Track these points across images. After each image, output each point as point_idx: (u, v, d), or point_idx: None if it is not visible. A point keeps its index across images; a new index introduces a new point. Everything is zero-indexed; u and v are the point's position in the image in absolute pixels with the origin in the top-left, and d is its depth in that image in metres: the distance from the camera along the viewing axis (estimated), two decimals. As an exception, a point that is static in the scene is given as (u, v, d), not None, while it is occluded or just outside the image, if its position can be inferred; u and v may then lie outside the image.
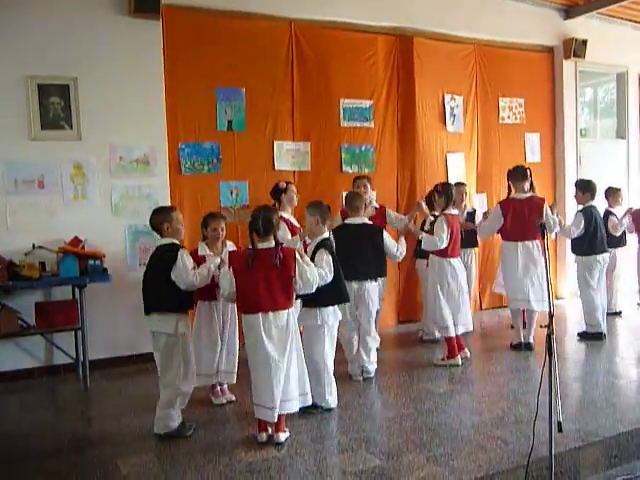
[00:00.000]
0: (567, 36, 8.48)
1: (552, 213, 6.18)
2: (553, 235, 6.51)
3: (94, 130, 5.79)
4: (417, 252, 6.45)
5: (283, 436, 4.07)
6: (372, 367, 5.40)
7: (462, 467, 3.65)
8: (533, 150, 8.54)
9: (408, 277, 7.42)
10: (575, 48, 8.39)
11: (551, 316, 3.27)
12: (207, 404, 4.77)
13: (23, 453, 4.09)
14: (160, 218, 4.28)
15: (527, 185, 6.12)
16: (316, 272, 4.17)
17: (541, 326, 6.30)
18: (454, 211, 5.84)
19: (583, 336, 6.50)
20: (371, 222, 5.45)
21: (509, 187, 6.25)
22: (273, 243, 4.03)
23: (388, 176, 7.34)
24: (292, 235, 5.46)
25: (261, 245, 4.03)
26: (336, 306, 4.62)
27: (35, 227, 5.57)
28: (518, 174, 6.15)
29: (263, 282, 3.97)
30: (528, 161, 8.37)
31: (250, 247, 4.04)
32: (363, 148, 7.23)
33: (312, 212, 4.62)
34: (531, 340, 6.17)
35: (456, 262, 5.82)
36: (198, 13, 6.27)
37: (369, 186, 6.19)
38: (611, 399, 4.77)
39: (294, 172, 6.83)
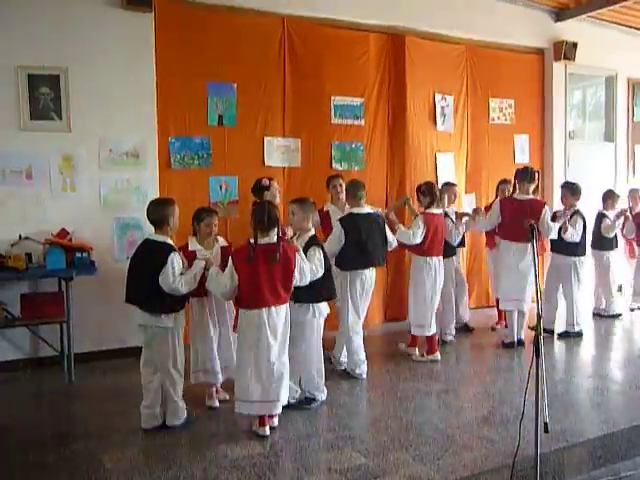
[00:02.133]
0: (557, 38, 8.53)
1: (555, 220, 6.27)
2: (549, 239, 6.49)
3: (84, 122, 5.74)
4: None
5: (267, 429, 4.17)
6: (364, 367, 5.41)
7: (448, 466, 3.67)
8: (522, 151, 8.58)
9: (395, 275, 7.43)
10: (565, 51, 8.44)
11: (539, 317, 3.28)
12: (192, 400, 4.74)
13: (6, 445, 4.06)
14: (165, 211, 4.18)
15: (532, 187, 6.17)
16: (308, 268, 4.28)
17: (530, 327, 6.46)
18: (437, 210, 5.89)
19: (563, 336, 6.61)
20: (372, 210, 5.53)
21: (514, 186, 6.32)
22: (275, 238, 4.05)
23: (378, 174, 7.35)
24: None
25: (262, 240, 4.04)
26: (325, 302, 4.70)
27: (22, 218, 5.52)
28: (526, 175, 6.18)
29: (266, 276, 4.00)
30: (517, 162, 8.42)
31: (252, 242, 4.04)
32: (353, 145, 7.22)
33: (299, 209, 4.61)
34: (522, 337, 6.26)
35: (435, 261, 5.86)
36: (191, 6, 6.22)
37: (344, 186, 6.08)
38: (596, 400, 4.82)
39: (284, 168, 6.81)
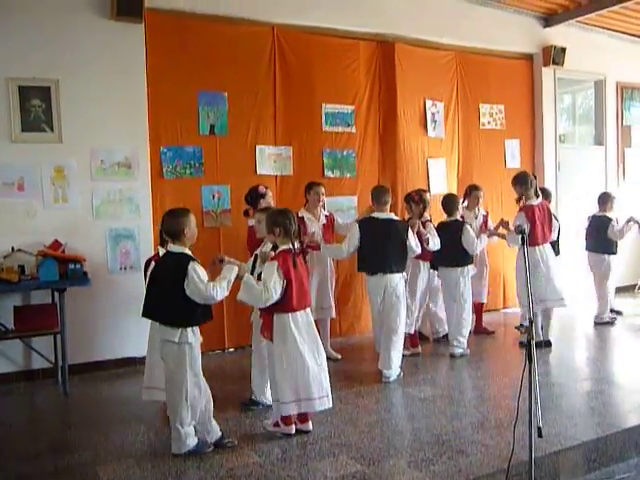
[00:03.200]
0: (546, 44, 8.59)
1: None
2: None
3: (75, 133, 5.74)
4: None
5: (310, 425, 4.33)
6: (388, 372, 5.43)
7: (443, 472, 3.68)
8: (513, 156, 8.63)
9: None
10: (554, 56, 8.50)
11: (531, 322, 3.30)
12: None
13: (1, 458, 4.04)
14: (182, 222, 3.98)
15: (533, 191, 6.32)
16: None
17: (519, 330, 6.50)
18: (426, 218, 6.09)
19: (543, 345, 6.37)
20: (397, 217, 5.68)
21: (521, 194, 6.36)
22: (297, 243, 4.24)
23: (370, 181, 7.36)
24: None
25: (286, 246, 4.22)
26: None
27: (14, 230, 5.52)
28: (526, 181, 6.32)
29: (305, 280, 4.28)
30: (508, 166, 8.48)
31: (292, 247, 4.19)
32: (345, 153, 7.25)
33: (273, 221, 4.33)
34: (549, 337, 6.38)
35: (422, 266, 6.14)
36: (181, 17, 6.24)
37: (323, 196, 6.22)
38: (589, 404, 4.84)
39: (276, 176, 6.83)
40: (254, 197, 5.70)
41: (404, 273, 5.57)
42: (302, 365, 4.14)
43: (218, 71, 6.45)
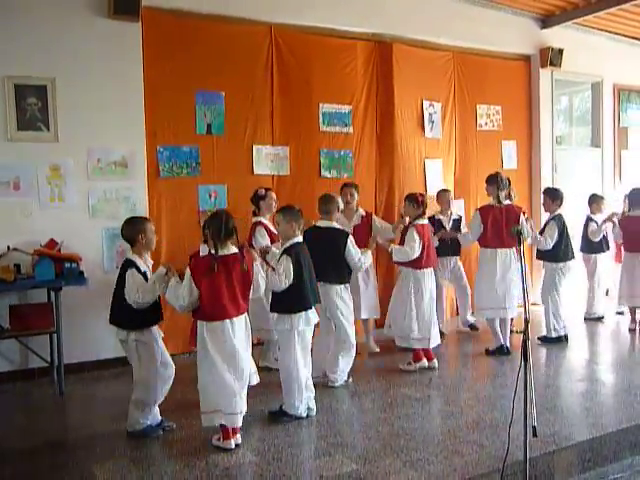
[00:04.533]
0: (544, 45, 8.61)
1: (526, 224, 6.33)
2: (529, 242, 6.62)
3: (72, 132, 5.73)
4: None
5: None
6: (333, 376, 5.28)
7: (438, 471, 3.68)
8: (510, 157, 8.64)
9: (385, 283, 7.43)
10: (551, 57, 8.52)
11: (527, 322, 3.30)
12: (183, 408, 4.73)
13: (-4, 458, 4.05)
14: (135, 228, 4.28)
15: (504, 193, 6.24)
16: (262, 279, 4.23)
17: (517, 332, 6.50)
18: (424, 221, 5.81)
19: (544, 340, 6.59)
20: (340, 227, 5.42)
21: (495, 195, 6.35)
22: (235, 248, 4.05)
23: (367, 181, 7.37)
24: (271, 241, 5.47)
25: (221, 251, 4.02)
26: (309, 312, 4.54)
27: (10, 229, 5.50)
28: (497, 182, 6.26)
29: (226, 288, 3.98)
30: (505, 168, 8.47)
31: (212, 252, 4.01)
32: (342, 153, 7.25)
33: (282, 218, 4.60)
34: (507, 344, 6.26)
35: (428, 272, 5.80)
36: (178, 16, 6.24)
37: (355, 195, 6.26)
38: (585, 404, 4.85)
39: (273, 176, 6.83)
40: (255, 199, 5.77)
41: (347, 285, 5.32)
42: (216, 376, 4.00)
43: (215, 70, 6.45)
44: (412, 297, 5.72)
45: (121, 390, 4.96)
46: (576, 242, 7.71)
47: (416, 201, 5.80)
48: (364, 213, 6.36)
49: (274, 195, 5.89)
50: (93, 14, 5.80)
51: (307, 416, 4.53)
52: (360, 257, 5.27)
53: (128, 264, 4.22)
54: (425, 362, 5.75)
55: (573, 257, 6.71)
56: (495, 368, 5.88)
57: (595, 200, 7.80)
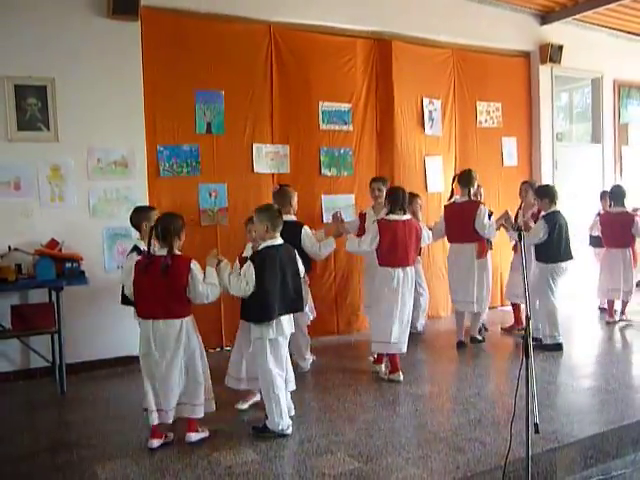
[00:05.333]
0: (543, 41, 8.60)
1: (497, 222, 6.28)
2: (491, 239, 6.50)
3: (72, 132, 5.73)
4: None
5: (195, 436, 4.14)
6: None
7: (440, 469, 3.69)
8: (510, 154, 8.63)
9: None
10: (551, 53, 8.51)
11: (528, 318, 3.30)
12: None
13: (-1, 458, 4.05)
14: (140, 216, 4.60)
15: (470, 190, 6.31)
16: (209, 286, 4.08)
17: (517, 330, 6.52)
18: (401, 217, 5.40)
19: (540, 347, 6.08)
20: (296, 219, 5.44)
21: (452, 191, 6.56)
22: (165, 251, 4.04)
23: (367, 179, 7.30)
24: None
25: (159, 252, 4.07)
26: (282, 320, 4.23)
27: (11, 229, 5.51)
28: (463, 178, 6.38)
29: (153, 288, 4.00)
30: (505, 165, 8.50)
31: (147, 252, 4.09)
32: (342, 151, 7.25)
33: (259, 217, 4.31)
34: (476, 335, 6.49)
35: (398, 272, 5.37)
36: (177, 15, 6.24)
37: (384, 189, 6.17)
38: (586, 400, 4.85)
39: (273, 174, 6.82)
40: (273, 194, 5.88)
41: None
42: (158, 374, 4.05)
43: (215, 69, 6.44)
44: (383, 297, 5.42)
45: (123, 390, 4.98)
46: (582, 238, 7.76)
47: (389, 195, 5.59)
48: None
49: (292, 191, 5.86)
50: (92, 14, 5.80)
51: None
52: (319, 246, 5.29)
53: (132, 249, 4.51)
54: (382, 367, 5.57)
55: (569, 258, 6.27)
56: (497, 365, 5.88)
57: (603, 197, 7.78)
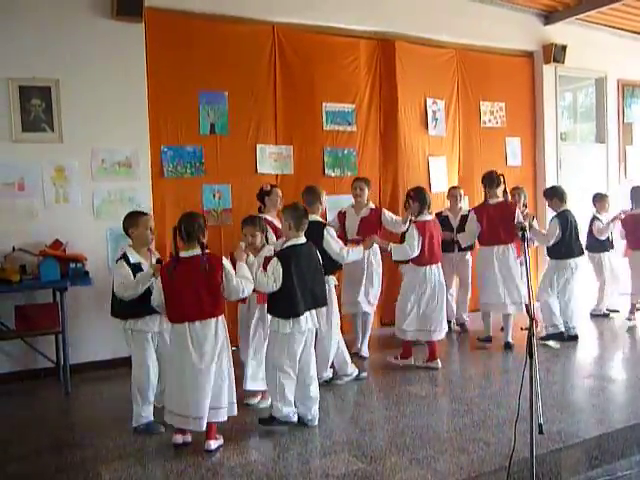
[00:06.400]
0: (547, 41, 8.59)
1: (524, 221, 6.25)
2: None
3: (76, 133, 5.75)
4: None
5: (214, 444, 4.04)
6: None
7: (444, 469, 3.68)
8: (514, 154, 8.63)
9: (390, 280, 7.42)
10: (555, 53, 8.51)
11: (532, 318, 3.30)
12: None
13: (3, 457, 4.04)
14: (127, 221, 4.40)
15: (500, 191, 6.27)
16: (242, 280, 4.04)
17: (522, 328, 6.47)
18: (428, 217, 5.75)
19: (545, 339, 6.42)
20: (321, 220, 5.38)
21: (485, 193, 6.43)
22: (199, 250, 4.00)
23: (370, 179, 7.26)
24: (276, 238, 5.45)
25: (185, 253, 4.00)
26: (302, 317, 4.26)
27: (15, 230, 5.51)
28: (491, 180, 6.31)
29: (189, 290, 3.94)
30: (509, 165, 8.48)
31: (174, 255, 4.00)
32: (346, 151, 7.25)
33: (285, 217, 4.42)
34: (509, 339, 6.32)
35: (434, 269, 5.75)
36: (181, 16, 6.25)
37: (365, 189, 6.22)
38: (591, 401, 4.83)
39: (277, 175, 6.83)
40: (260, 195, 5.74)
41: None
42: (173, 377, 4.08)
43: (218, 70, 6.45)
44: (414, 294, 5.72)
45: (127, 390, 4.95)
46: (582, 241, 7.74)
47: (409, 196, 5.79)
48: (373, 206, 6.36)
49: (279, 191, 5.83)
50: (96, 15, 5.82)
51: (305, 424, 4.35)
52: (343, 248, 5.19)
53: (120, 256, 4.36)
54: (412, 360, 5.78)
55: (579, 254, 6.59)
56: (501, 365, 5.87)
57: (598, 199, 7.76)
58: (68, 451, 4.11)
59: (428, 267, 5.71)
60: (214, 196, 6.49)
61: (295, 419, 4.33)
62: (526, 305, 6.62)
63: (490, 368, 5.85)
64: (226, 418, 4.10)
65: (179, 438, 4.07)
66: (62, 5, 5.70)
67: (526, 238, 3.62)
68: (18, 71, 5.55)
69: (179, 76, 6.25)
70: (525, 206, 7.17)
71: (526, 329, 3.30)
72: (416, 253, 5.59)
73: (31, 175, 5.62)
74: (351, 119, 7.27)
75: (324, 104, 7.09)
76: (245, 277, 4.09)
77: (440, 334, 5.79)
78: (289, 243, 4.36)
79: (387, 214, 6.33)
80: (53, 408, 5.11)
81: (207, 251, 4.03)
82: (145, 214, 4.53)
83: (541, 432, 3.04)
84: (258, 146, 6.71)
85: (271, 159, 6.79)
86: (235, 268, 4.11)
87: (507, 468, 3.50)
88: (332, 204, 6.84)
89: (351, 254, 5.26)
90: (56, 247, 5.54)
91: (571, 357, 6.13)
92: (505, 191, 6.36)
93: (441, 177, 7.86)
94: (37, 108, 5.64)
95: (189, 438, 4.10)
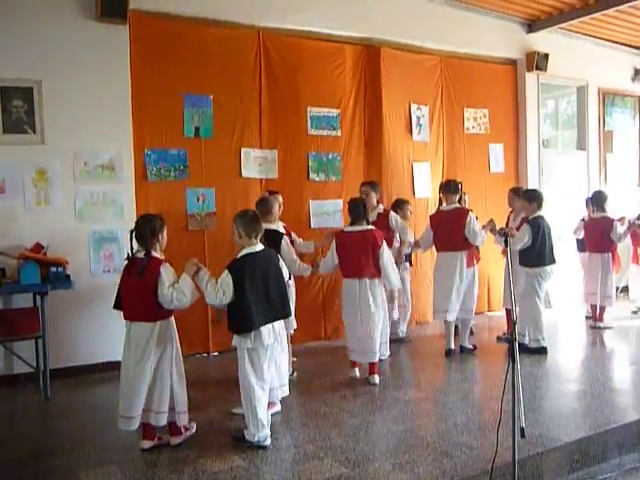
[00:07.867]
0: (530, 49, 8.68)
1: (484, 228, 6.18)
2: (480, 246, 6.49)
3: (58, 135, 5.70)
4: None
5: (147, 444, 4.08)
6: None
7: (427, 474, 3.67)
8: (497, 160, 8.70)
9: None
10: (537, 61, 8.61)
11: (514, 324, 3.32)
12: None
13: (-19, 464, 3.99)
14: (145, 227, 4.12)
15: (456, 197, 6.25)
16: (175, 291, 3.94)
17: (498, 337, 6.55)
18: (356, 227, 5.46)
19: (525, 351, 6.07)
20: (278, 229, 5.37)
21: (440, 199, 6.43)
22: (142, 253, 4.03)
23: (355, 184, 7.31)
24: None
25: (138, 254, 4.05)
26: (261, 330, 4.04)
27: (-5, 232, 5.45)
28: (449, 187, 6.29)
29: (132, 290, 4.02)
30: (492, 171, 8.55)
31: (129, 256, 4.07)
32: (330, 156, 7.26)
33: (234, 225, 4.17)
34: (466, 344, 6.41)
35: (354, 283, 5.44)
36: (166, 19, 6.23)
37: (372, 193, 6.33)
38: (572, 405, 4.86)
39: (261, 179, 6.82)
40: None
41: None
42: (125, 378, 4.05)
43: (203, 73, 6.44)
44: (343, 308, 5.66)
45: (108, 396, 4.92)
46: (567, 243, 7.82)
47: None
48: (382, 210, 6.39)
49: (280, 197, 5.84)
50: (80, 16, 5.78)
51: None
52: (297, 262, 5.28)
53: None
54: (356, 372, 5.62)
55: (552, 262, 6.31)
56: (484, 370, 5.89)
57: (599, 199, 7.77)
58: (48, 457, 4.05)
59: (347, 279, 5.53)
60: (198, 200, 6.46)
61: (268, 443, 4.10)
62: (507, 309, 6.82)
63: (472, 373, 5.86)
64: (164, 424, 4.06)
65: (146, 444, 4.07)
66: (46, 6, 5.65)
67: (509, 244, 3.65)
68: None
69: (164, 79, 6.22)
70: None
71: (505, 338, 3.32)
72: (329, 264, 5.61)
73: (12, 177, 5.56)
74: (336, 124, 7.29)
75: (309, 109, 7.10)
76: (180, 289, 3.96)
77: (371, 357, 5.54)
78: (243, 252, 4.10)
79: (394, 218, 6.37)
80: (33, 414, 5.04)
81: (155, 255, 4.02)
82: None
83: (523, 436, 3.06)
84: (243, 150, 6.69)
85: (256, 163, 6.78)
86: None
87: (490, 472, 3.52)
88: (316, 209, 6.85)
89: (303, 271, 5.38)
90: (37, 250, 5.47)
91: (552, 361, 6.16)
92: (461, 199, 6.32)
93: (425, 183, 7.90)
94: (18, 109, 5.58)
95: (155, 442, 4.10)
